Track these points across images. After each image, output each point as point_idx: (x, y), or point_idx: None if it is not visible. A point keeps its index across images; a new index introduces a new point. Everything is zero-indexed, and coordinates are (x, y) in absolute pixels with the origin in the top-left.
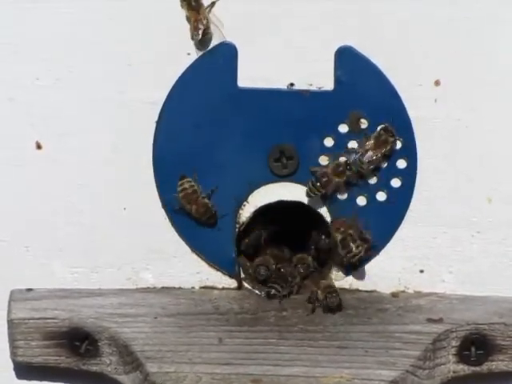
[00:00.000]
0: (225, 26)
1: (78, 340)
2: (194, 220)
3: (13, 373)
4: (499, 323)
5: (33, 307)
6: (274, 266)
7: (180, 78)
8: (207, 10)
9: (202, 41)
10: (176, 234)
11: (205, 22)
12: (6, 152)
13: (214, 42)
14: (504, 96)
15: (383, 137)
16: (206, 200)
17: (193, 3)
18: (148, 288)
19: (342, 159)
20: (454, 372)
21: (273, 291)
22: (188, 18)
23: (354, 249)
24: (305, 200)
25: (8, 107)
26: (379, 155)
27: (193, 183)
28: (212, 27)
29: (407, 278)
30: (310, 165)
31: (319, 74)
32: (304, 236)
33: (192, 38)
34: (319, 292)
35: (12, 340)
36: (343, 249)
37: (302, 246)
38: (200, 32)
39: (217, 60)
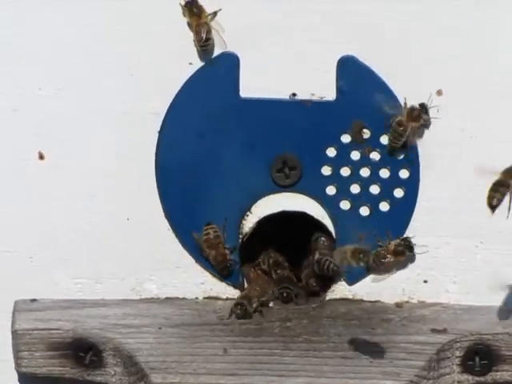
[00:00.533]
0: (227, 37)
1: (83, 351)
2: (210, 266)
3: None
4: (503, 333)
5: (37, 318)
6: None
7: (182, 87)
8: (209, 18)
9: (204, 46)
10: (180, 245)
11: (206, 27)
12: (10, 162)
13: (215, 50)
14: (508, 106)
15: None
16: (227, 251)
17: (194, 10)
18: (152, 298)
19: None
20: (458, 382)
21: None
22: (190, 25)
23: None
24: (308, 210)
25: (11, 117)
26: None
27: (217, 231)
28: (214, 33)
29: (411, 288)
30: (313, 175)
31: (321, 83)
32: (306, 246)
33: (195, 45)
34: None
35: (16, 351)
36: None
37: (304, 256)
38: (202, 36)
39: (219, 70)
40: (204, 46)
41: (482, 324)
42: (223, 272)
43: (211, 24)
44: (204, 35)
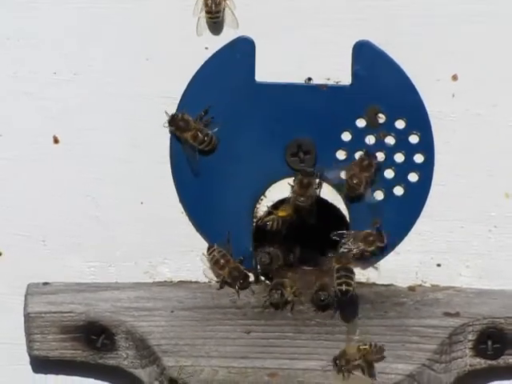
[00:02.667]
0: (242, 22)
1: (95, 334)
2: (227, 284)
3: (29, 366)
4: None
5: (49, 301)
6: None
7: (197, 72)
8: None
9: (212, 18)
10: (193, 228)
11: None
12: (24, 147)
13: (226, 29)
14: None
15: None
16: (238, 264)
17: None
18: (165, 282)
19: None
20: (470, 366)
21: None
22: None
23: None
24: (322, 194)
25: (26, 102)
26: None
27: (221, 250)
28: (227, 11)
29: (424, 272)
30: (328, 159)
31: (337, 68)
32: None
33: (205, 16)
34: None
35: (28, 334)
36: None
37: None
38: (211, 6)
39: (234, 55)
40: (213, 17)
41: (495, 308)
42: (244, 285)
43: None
44: (213, 5)
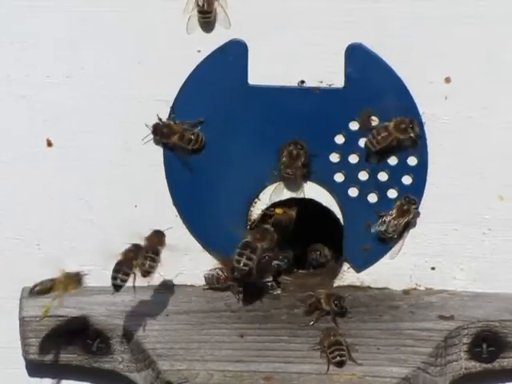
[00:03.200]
0: (235, 25)
1: (90, 338)
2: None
3: (25, 370)
4: (510, 320)
5: (44, 305)
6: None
7: (190, 75)
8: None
9: (204, 18)
10: (187, 232)
11: None
12: (17, 150)
13: (219, 29)
14: None
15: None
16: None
17: None
18: (160, 285)
19: None
20: (465, 369)
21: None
22: None
23: None
24: (315, 197)
25: (19, 105)
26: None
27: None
28: (219, 10)
29: (418, 276)
30: (321, 162)
31: (329, 71)
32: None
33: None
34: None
35: (24, 338)
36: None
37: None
38: (203, 4)
39: (227, 57)
40: (205, 17)
41: (490, 311)
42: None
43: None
44: (205, 5)
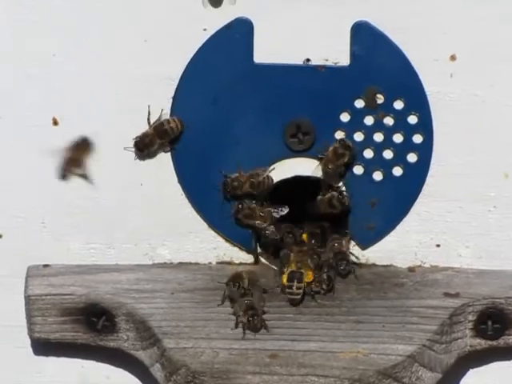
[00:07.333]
0: (240, 3)
1: (95, 316)
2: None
3: (30, 349)
4: None
5: (50, 283)
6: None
7: (196, 53)
8: None
9: None
10: (193, 210)
11: None
12: (23, 128)
13: (225, 6)
14: None
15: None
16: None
17: None
18: (165, 264)
19: None
20: (470, 346)
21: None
22: None
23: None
24: (321, 175)
25: (25, 83)
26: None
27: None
28: None
29: (424, 253)
30: (327, 140)
31: (335, 49)
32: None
33: None
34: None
35: (29, 316)
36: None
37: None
38: None
39: (233, 35)
40: None
41: (495, 288)
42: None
43: None
44: None
